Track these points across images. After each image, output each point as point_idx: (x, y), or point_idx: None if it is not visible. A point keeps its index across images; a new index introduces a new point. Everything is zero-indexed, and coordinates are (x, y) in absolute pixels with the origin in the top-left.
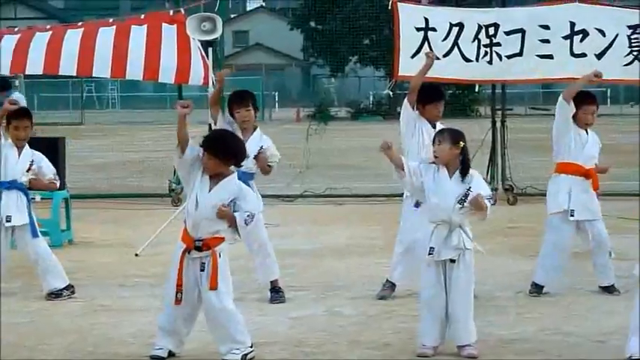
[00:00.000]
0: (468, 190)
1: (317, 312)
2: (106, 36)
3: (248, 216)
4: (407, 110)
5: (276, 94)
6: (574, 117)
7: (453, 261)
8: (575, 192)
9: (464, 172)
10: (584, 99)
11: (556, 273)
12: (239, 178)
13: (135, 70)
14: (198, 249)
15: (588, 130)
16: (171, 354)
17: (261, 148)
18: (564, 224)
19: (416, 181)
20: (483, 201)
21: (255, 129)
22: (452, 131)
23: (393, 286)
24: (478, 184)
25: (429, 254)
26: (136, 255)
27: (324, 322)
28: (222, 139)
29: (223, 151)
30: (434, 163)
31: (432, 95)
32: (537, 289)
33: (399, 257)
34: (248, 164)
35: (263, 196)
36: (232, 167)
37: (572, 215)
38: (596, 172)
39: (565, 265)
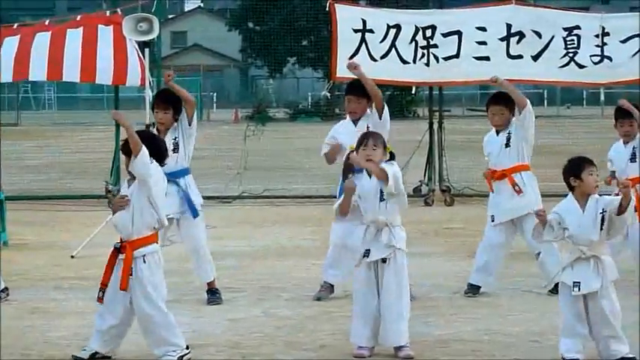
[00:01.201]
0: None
1: (254, 313)
2: (42, 39)
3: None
4: None
5: (215, 95)
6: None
7: (384, 261)
8: (492, 196)
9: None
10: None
11: (492, 274)
12: (175, 176)
13: (72, 72)
14: (121, 250)
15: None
16: (97, 356)
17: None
18: (499, 226)
19: None
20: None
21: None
22: (381, 136)
23: (330, 287)
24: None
25: (364, 256)
26: (72, 257)
27: (260, 324)
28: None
29: None
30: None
31: None
32: (473, 289)
33: (330, 258)
34: (180, 161)
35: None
36: None
37: (492, 220)
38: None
39: (501, 266)
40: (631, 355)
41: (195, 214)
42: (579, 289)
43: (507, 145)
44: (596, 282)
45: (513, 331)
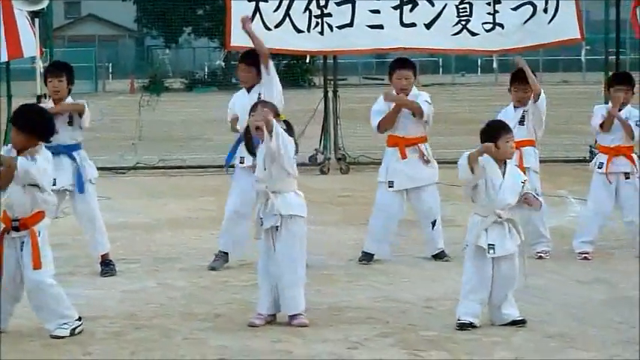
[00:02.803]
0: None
1: (148, 284)
2: None
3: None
4: None
5: (110, 65)
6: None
7: (277, 229)
8: (392, 162)
9: None
10: (395, 65)
11: (385, 241)
12: (70, 149)
13: None
14: (16, 229)
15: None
16: None
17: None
18: (389, 193)
19: None
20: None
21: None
22: (272, 104)
23: (225, 256)
24: None
25: (258, 223)
26: None
27: (155, 295)
28: (27, 114)
29: (28, 127)
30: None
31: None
32: (367, 257)
33: (225, 227)
34: (74, 135)
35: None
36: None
37: (390, 187)
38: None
39: (394, 233)
40: (520, 318)
41: (81, 190)
42: (494, 251)
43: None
44: (510, 245)
45: (407, 297)
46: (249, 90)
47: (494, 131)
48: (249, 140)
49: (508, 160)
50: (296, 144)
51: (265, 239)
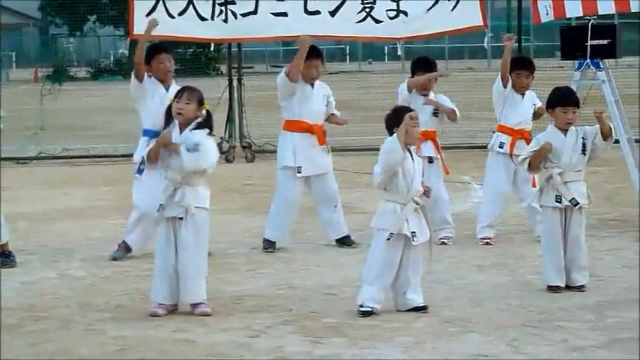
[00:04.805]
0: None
1: (48, 275)
2: None
3: None
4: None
5: (14, 54)
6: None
7: (181, 218)
8: (300, 148)
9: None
10: (310, 54)
11: (286, 228)
12: None
13: None
14: None
15: (314, 84)
16: None
17: None
18: (292, 180)
19: None
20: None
21: None
22: (198, 92)
23: (127, 246)
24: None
25: (158, 210)
26: None
27: (54, 286)
28: None
29: None
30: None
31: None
32: (270, 244)
33: (134, 222)
34: None
35: None
36: None
37: (299, 172)
38: (333, 123)
39: (295, 220)
40: (423, 304)
41: None
42: (417, 238)
43: (318, 98)
44: (427, 230)
45: (309, 284)
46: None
47: (400, 115)
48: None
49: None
50: (213, 134)
51: (166, 227)
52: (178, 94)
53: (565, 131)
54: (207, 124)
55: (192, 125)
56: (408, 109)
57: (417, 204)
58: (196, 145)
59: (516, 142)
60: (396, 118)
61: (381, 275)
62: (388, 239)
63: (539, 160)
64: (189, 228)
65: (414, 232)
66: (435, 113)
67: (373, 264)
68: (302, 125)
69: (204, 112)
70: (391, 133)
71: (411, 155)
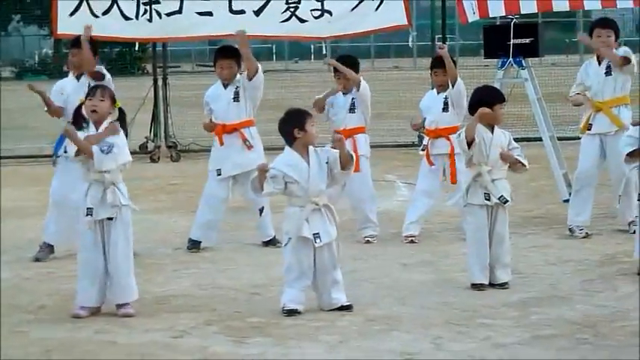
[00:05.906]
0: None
1: None
2: None
3: None
4: None
5: None
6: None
7: (110, 219)
8: (219, 150)
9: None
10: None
11: (212, 228)
12: None
13: None
14: None
15: (227, 84)
16: None
17: None
18: (216, 182)
19: None
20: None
21: None
22: (110, 90)
23: (50, 247)
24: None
25: (87, 215)
26: None
27: None
28: None
29: None
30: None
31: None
32: (194, 244)
33: (50, 217)
34: None
35: None
36: None
37: (219, 174)
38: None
39: (220, 220)
40: (348, 303)
41: None
42: (320, 239)
43: None
44: (332, 230)
45: (235, 284)
46: (78, 77)
47: (299, 116)
48: (79, 117)
49: (310, 147)
50: (127, 132)
51: (92, 229)
52: (91, 92)
53: (492, 128)
54: (122, 122)
55: (105, 123)
56: (306, 112)
57: (317, 204)
58: (110, 146)
59: (433, 142)
60: (296, 120)
61: (298, 278)
62: (286, 244)
63: (474, 129)
64: (120, 227)
65: (316, 234)
66: (352, 109)
67: (288, 267)
68: (218, 127)
69: (116, 110)
70: (290, 136)
71: (308, 157)
